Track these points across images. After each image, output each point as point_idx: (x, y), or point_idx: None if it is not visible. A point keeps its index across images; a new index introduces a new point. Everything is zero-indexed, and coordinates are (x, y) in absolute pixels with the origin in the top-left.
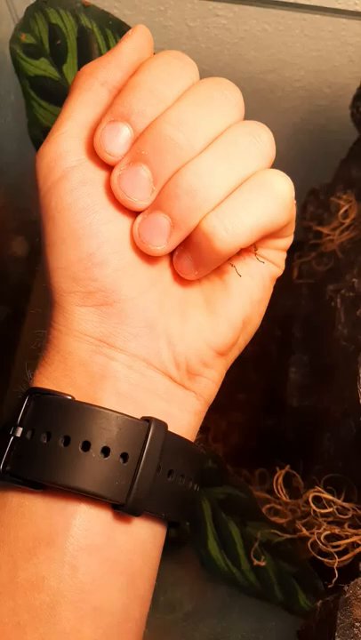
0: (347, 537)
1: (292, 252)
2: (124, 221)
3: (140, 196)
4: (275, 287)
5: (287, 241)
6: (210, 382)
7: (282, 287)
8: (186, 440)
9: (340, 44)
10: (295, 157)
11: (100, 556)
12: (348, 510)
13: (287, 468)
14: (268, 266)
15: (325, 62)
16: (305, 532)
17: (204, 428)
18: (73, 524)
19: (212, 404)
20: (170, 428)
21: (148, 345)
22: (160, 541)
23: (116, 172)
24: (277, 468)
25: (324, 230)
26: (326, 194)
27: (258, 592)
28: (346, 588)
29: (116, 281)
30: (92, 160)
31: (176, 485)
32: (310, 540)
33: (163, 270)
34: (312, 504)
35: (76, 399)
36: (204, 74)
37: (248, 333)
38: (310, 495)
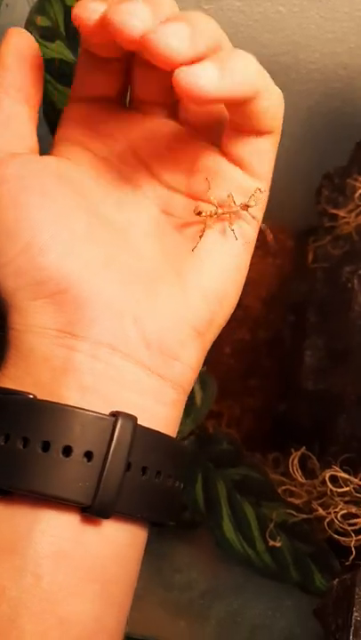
0: None
1: (306, 236)
2: (57, 202)
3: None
4: (288, 273)
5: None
6: (186, 368)
7: (296, 272)
8: (161, 434)
9: (356, 26)
10: (310, 141)
11: (67, 563)
12: None
13: (303, 449)
14: (242, 226)
15: (341, 44)
16: (321, 511)
17: (218, 414)
18: (37, 529)
19: (225, 390)
20: (143, 422)
21: (112, 327)
22: (140, 544)
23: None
24: (293, 450)
25: (340, 213)
26: (341, 177)
27: (273, 573)
28: None
29: (63, 265)
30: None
31: (152, 483)
32: (327, 520)
33: (120, 244)
34: (329, 483)
35: (38, 397)
36: None
37: (226, 307)
38: (327, 475)
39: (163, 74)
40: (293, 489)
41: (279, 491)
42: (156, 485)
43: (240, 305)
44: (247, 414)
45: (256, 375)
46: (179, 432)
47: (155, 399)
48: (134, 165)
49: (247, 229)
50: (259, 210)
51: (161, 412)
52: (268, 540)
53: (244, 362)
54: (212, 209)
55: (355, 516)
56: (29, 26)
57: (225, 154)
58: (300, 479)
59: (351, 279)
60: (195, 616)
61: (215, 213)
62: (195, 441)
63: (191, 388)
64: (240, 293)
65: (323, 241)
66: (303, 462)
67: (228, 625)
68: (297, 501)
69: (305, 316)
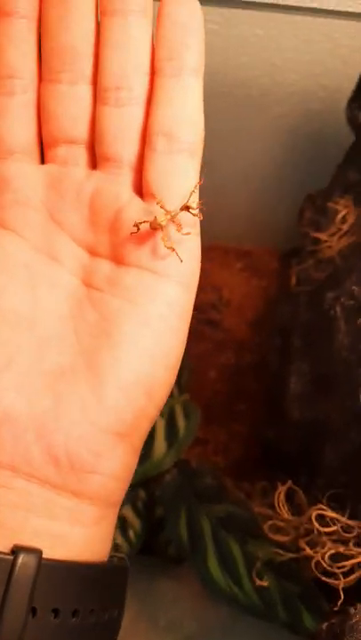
0: (352, 556)
1: (289, 259)
2: None
3: None
4: (273, 295)
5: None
6: (108, 479)
7: (281, 295)
8: (79, 564)
9: (334, 47)
10: (291, 163)
11: None
12: (353, 528)
13: (289, 483)
14: (164, 290)
15: (319, 65)
16: (308, 550)
17: (203, 440)
18: None
19: (211, 416)
20: (55, 553)
21: (12, 446)
22: None
23: None
24: (279, 484)
25: (322, 236)
26: (323, 199)
27: (261, 612)
28: (352, 611)
29: None
30: None
31: (67, 626)
32: (314, 560)
33: (23, 338)
34: (315, 522)
35: None
36: None
37: (158, 397)
38: (313, 513)
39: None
40: (280, 524)
41: (266, 526)
42: (74, 627)
43: (225, 328)
44: (234, 441)
45: (242, 400)
46: (162, 463)
47: (70, 522)
48: (50, 231)
49: (193, 244)
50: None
51: (79, 536)
52: (256, 579)
53: (229, 386)
54: (162, 216)
55: (343, 556)
56: None
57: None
58: (286, 515)
59: (334, 306)
60: None
61: (169, 214)
62: (177, 474)
63: (121, 498)
64: (177, 370)
65: (306, 264)
66: (291, 495)
67: None
68: (284, 538)
69: (290, 341)
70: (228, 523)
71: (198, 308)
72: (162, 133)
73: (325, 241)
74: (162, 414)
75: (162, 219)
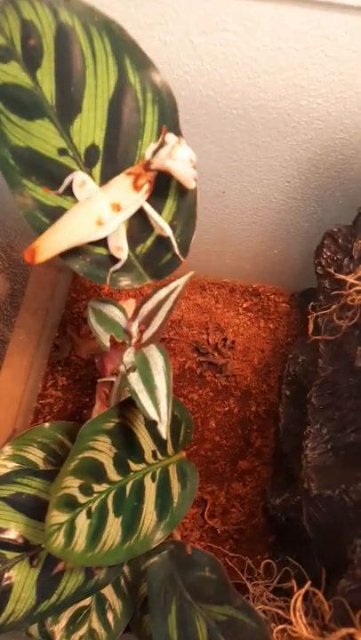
0: None
1: (304, 300)
2: None
3: None
4: (282, 338)
5: None
6: None
7: (293, 339)
8: None
9: None
10: (310, 196)
11: None
12: None
13: (308, 585)
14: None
15: (348, 88)
16: None
17: (200, 501)
18: None
19: (209, 472)
20: None
21: None
22: None
23: None
24: (290, 570)
25: (349, 279)
26: (346, 237)
27: None
28: None
29: None
30: None
31: None
32: None
33: None
34: None
35: None
36: (208, 100)
37: None
38: (341, 634)
39: None
40: (295, 635)
41: (276, 631)
42: None
43: (229, 373)
44: (234, 503)
45: (246, 456)
46: (150, 540)
47: None
48: None
49: None
50: None
51: None
52: None
53: (231, 439)
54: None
55: None
56: None
57: None
58: (305, 633)
59: None
60: None
61: None
62: (169, 559)
63: None
64: None
65: (326, 309)
66: (299, 577)
67: None
68: None
69: (304, 395)
70: (229, 630)
71: (200, 349)
72: None
73: (352, 284)
74: (153, 476)
75: None
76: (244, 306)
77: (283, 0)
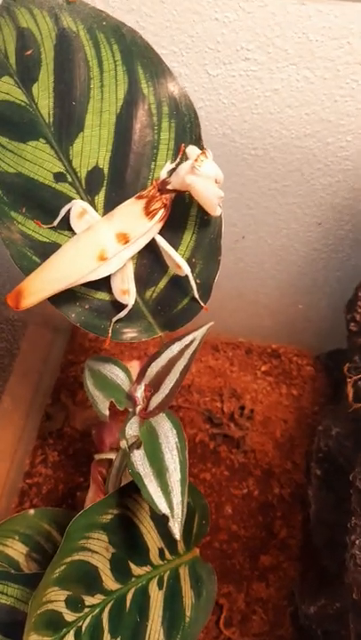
0: None
1: (331, 363)
2: None
3: None
4: (307, 407)
5: None
6: None
7: (320, 408)
8: None
9: None
10: (335, 248)
11: None
12: None
13: None
14: None
15: None
16: None
17: (213, 606)
18: None
19: (224, 570)
20: None
21: None
22: None
23: None
24: None
25: None
26: None
27: None
28: None
29: None
30: None
31: None
32: None
33: None
34: None
35: None
36: (224, 139)
37: None
38: None
39: None
40: None
41: None
42: None
43: (247, 448)
44: (255, 608)
45: (268, 549)
46: None
47: None
48: None
49: None
50: None
51: None
52: None
53: (250, 528)
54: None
55: None
56: None
57: None
58: None
59: None
60: None
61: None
62: None
63: None
64: None
65: None
66: None
67: None
68: None
69: (340, 476)
70: None
71: (213, 419)
72: None
73: None
74: (160, 582)
75: None
76: (263, 369)
77: (310, 22)
